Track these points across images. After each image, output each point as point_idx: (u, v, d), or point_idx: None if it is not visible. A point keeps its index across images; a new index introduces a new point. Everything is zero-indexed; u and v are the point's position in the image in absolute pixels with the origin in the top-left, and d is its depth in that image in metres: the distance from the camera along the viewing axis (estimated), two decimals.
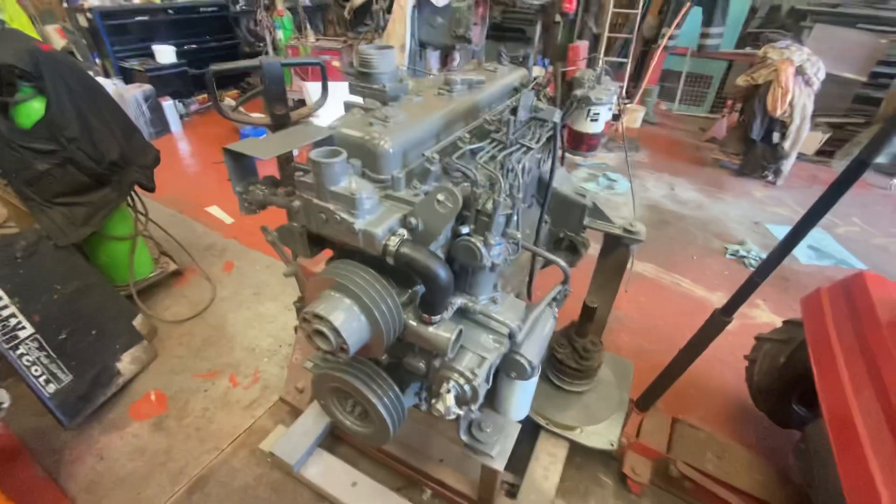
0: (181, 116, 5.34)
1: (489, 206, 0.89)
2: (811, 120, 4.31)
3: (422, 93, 1.15)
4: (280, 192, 1.01)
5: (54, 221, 2.13)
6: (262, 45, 6.79)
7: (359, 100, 1.11)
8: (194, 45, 5.72)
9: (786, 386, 1.85)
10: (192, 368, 2.33)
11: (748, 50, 5.93)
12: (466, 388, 0.93)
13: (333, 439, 1.91)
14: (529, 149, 1.01)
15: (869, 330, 1.40)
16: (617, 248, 1.78)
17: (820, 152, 5.10)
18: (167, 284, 2.85)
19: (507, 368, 1.11)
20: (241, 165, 1.00)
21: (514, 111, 1.02)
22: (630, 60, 6.61)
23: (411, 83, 1.19)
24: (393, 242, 0.80)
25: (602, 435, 1.76)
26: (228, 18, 6.16)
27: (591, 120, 1.34)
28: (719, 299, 2.97)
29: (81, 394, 1.99)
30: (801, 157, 4.74)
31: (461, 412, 0.94)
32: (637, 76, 6.69)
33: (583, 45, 6.54)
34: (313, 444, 1.77)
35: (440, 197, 0.78)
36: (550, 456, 1.73)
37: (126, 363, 2.21)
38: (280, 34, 5.52)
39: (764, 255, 3.40)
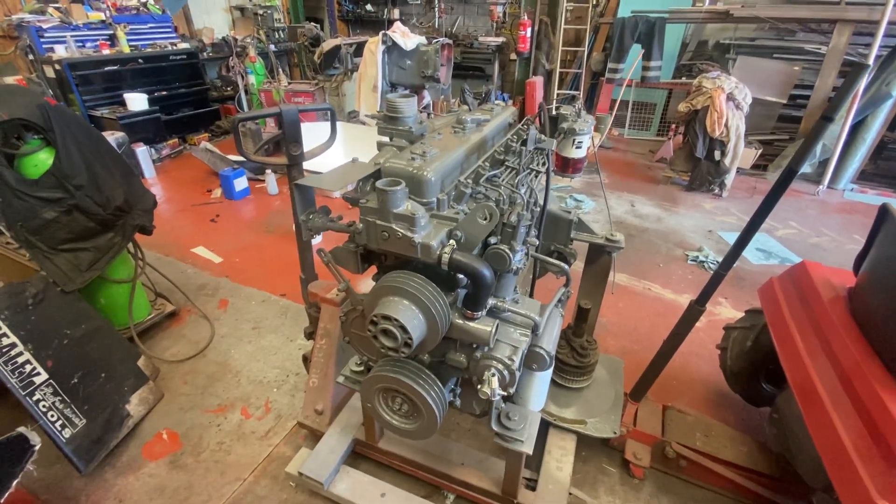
0: (154, 161, 5.35)
1: (513, 219, 1.09)
2: (745, 138, 4.87)
3: (439, 130, 1.37)
4: (335, 218, 1.18)
5: (60, 268, 2.16)
6: (229, 89, 6.96)
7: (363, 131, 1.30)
8: (164, 92, 5.79)
9: (754, 367, 2.11)
10: (202, 405, 2.35)
11: (683, 79, 6.62)
12: (506, 373, 1.10)
13: (356, 457, 2.00)
14: (539, 172, 1.23)
15: (815, 307, 1.68)
16: (600, 256, 2.03)
17: (755, 166, 5.70)
18: (164, 326, 2.86)
19: (529, 361, 1.29)
20: (305, 197, 1.16)
21: (523, 143, 1.24)
22: (581, 92, 7.22)
23: (428, 123, 1.40)
24: (447, 251, 0.98)
25: (605, 426, 1.94)
26: (197, 65, 6.29)
27: (576, 147, 1.60)
28: (686, 300, 3.28)
29: (95, 438, 1.99)
30: (740, 171, 5.31)
31: (505, 393, 1.10)
32: (588, 106, 7.29)
33: (538, 80, 7.11)
34: (339, 461, 1.86)
35: (482, 213, 0.97)
36: (561, 449, 1.89)
37: (135, 405, 2.22)
38: (252, 79, 5.70)
39: (719, 259, 3.78)
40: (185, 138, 6.10)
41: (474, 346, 1.14)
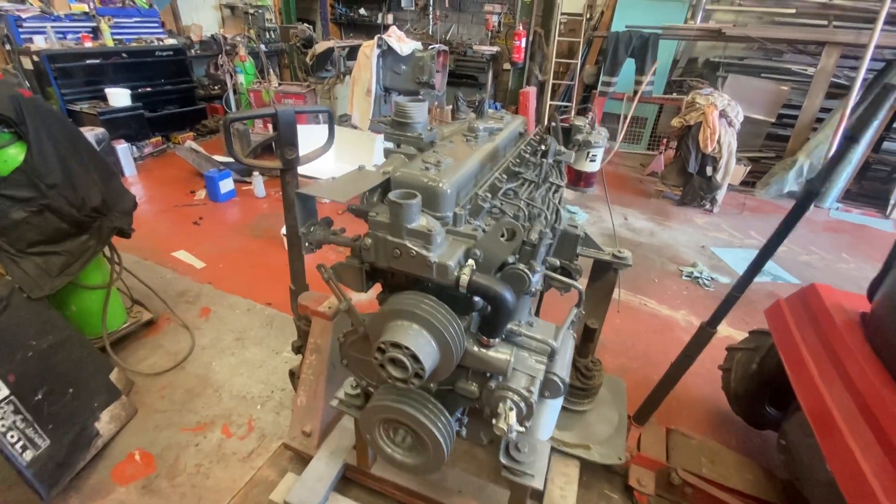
0: (135, 159, 5.14)
1: (534, 236, 1.01)
2: (735, 155, 4.92)
3: (450, 138, 1.28)
4: (338, 231, 1.07)
5: (27, 272, 1.99)
6: (217, 88, 6.78)
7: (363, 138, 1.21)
8: (149, 88, 5.59)
9: (759, 390, 2.06)
10: (179, 422, 2.19)
11: (675, 95, 6.70)
12: (523, 405, 1.00)
13: (346, 482, 1.87)
14: (559, 187, 1.15)
15: (829, 332, 1.63)
16: (606, 272, 1.95)
17: (744, 182, 5.77)
18: (141, 335, 2.69)
19: (541, 388, 1.20)
20: (307, 208, 1.05)
21: (544, 154, 1.16)
22: (574, 104, 7.24)
23: (438, 130, 1.31)
24: (465, 273, 0.89)
25: (610, 451, 1.86)
26: (184, 62, 6.11)
27: (590, 160, 1.53)
28: (683, 316, 3.25)
29: (60, 460, 1.82)
30: (729, 187, 5.35)
31: (522, 429, 1.01)
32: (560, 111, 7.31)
33: (532, 91, 7.11)
34: (328, 489, 1.73)
35: (504, 230, 0.89)
36: (565, 476, 1.80)
37: (105, 422, 2.05)
38: (241, 78, 5.55)
39: (714, 276, 3.77)
40: (169, 136, 5.89)
41: (488, 374, 1.04)
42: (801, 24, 5.62)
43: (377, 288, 1.17)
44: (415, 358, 0.87)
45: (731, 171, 4.90)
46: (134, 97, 5.25)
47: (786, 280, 3.82)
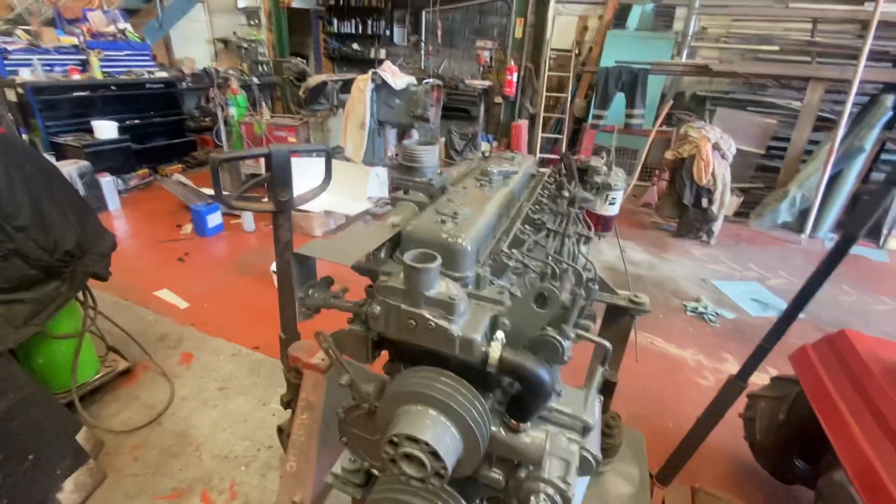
0: (120, 192, 4.98)
1: (564, 297, 0.88)
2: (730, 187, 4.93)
3: (462, 184, 1.16)
4: (341, 293, 0.93)
5: None
6: (208, 120, 6.71)
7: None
8: (137, 120, 5.50)
9: (788, 443, 1.92)
10: (152, 489, 1.97)
11: (665, 127, 6.80)
12: (558, 498, 0.85)
13: None
14: (589, 238, 1.04)
15: (867, 382, 1.51)
16: (621, 318, 1.83)
17: (737, 213, 5.78)
18: (115, 386, 2.48)
19: None
20: (304, 269, 0.91)
21: (571, 203, 1.06)
22: (564, 137, 7.31)
23: (447, 174, 1.20)
24: (495, 349, 0.75)
25: None
26: (175, 95, 6.05)
27: (609, 203, 1.43)
28: (692, 356, 3.12)
29: None
30: (724, 218, 5.34)
31: None
32: (572, 151, 7.37)
33: (523, 124, 7.17)
34: None
35: (538, 295, 0.76)
36: None
37: (68, 492, 1.82)
38: (233, 111, 5.48)
39: (718, 311, 3.67)
40: (156, 169, 5.76)
41: (515, 461, 0.89)
42: (784, 61, 5.79)
43: None
44: (435, 455, 0.73)
45: (726, 202, 4.90)
46: (122, 129, 5.14)
47: None
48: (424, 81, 5.16)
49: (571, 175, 1.32)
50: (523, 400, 0.82)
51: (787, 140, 5.62)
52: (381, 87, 5.01)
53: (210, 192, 4.89)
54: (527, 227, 0.99)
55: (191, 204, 4.57)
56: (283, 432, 2.04)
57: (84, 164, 4.47)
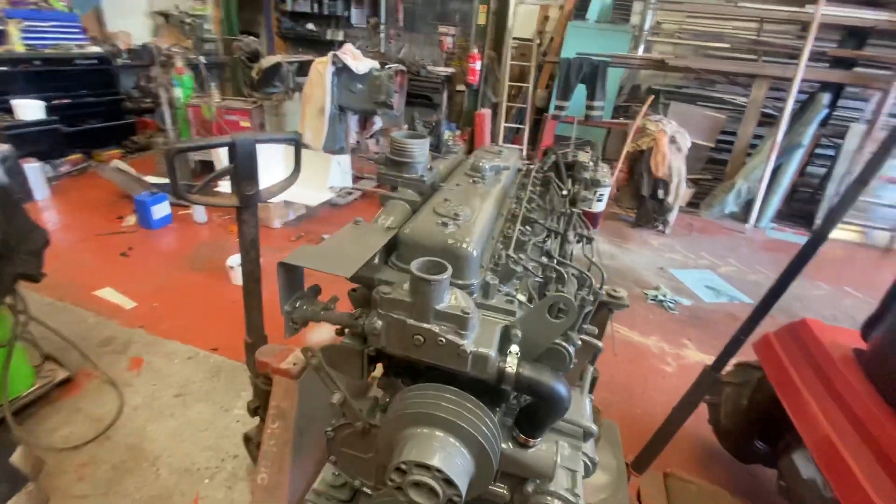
0: (49, 180, 4.50)
1: (564, 303, 0.84)
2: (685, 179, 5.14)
3: (455, 180, 1.09)
4: (330, 304, 0.84)
5: None
6: (148, 101, 6.18)
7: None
8: (67, 100, 4.96)
9: (750, 425, 2.02)
10: None
11: (621, 119, 6.99)
12: None
13: None
14: (591, 239, 1.00)
15: (827, 367, 1.61)
16: (598, 312, 1.84)
17: (689, 204, 6.06)
18: (53, 398, 2.23)
19: None
20: (292, 280, 0.81)
21: (573, 202, 1.01)
22: (526, 127, 7.36)
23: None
24: (510, 364, 0.70)
25: None
26: (110, 72, 5.51)
27: (598, 200, 1.42)
28: (655, 343, 3.24)
29: None
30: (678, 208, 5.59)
31: None
32: (533, 140, 7.44)
33: (487, 113, 7.14)
34: None
35: (556, 306, 0.71)
36: None
37: None
38: (178, 92, 5.07)
39: (677, 298, 3.84)
40: (90, 154, 5.25)
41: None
42: (733, 58, 6.07)
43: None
44: (449, 482, 0.67)
45: (681, 194, 5.11)
46: (49, 109, 4.62)
47: (741, 300, 3.96)
48: (387, 66, 4.98)
49: (560, 172, 1.29)
50: (536, 415, 0.78)
51: (734, 134, 5.93)
52: (342, 70, 4.79)
53: (155, 180, 4.52)
54: (526, 227, 0.94)
55: (133, 193, 4.20)
56: (250, 441, 1.93)
57: (5, 147, 3.97)
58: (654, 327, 3.41)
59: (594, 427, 0.93)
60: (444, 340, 0.69)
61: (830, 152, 5.91)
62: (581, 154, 1.46)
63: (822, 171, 6.12)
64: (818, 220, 5.73)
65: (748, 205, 5.76)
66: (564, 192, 1.10)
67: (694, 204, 6.12)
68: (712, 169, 6.31)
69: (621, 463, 1.93)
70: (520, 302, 0.81)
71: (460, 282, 0.80)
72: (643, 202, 5.27)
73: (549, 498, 0.82)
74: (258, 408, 1.85)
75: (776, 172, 5.63)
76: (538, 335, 0.75)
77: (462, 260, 0.78)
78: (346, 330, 0.86)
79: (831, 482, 1.42)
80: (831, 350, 1.64)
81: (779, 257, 5.01)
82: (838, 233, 5.56)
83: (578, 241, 1.00)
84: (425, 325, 0.69)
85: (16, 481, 1.71)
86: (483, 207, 0.94)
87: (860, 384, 1.51)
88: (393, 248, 0.87)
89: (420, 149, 1.01)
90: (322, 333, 2.61)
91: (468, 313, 0.68)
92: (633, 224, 5.42)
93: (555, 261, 0.89)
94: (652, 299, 3.78)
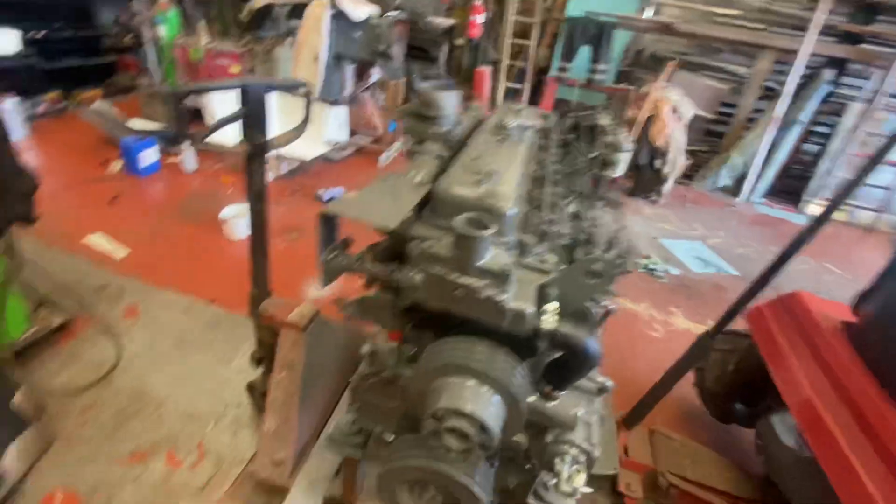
0: (27, 119, 4.27)
1: (600, 266, 0.85)
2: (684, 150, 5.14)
3: (477, 137, 1.07)
4: (367, 258, 0.84)
5: None
6: (130, 38, 5.81)
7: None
8: (43, 32, 4.63)
9: (733, 389, 2.13)
10: (109, 452, 1.83)
11: (624, 85, 6.86)
12: (582, 458, 0.87)
13: None
14: (619, 203, 1.01)
15: (816, 336, 1.69)
16: None
17: (684, 175, 6.09)
18: (51, 343, 2.22)
19: None
20: (329, 230, 0.80)
21: (604, 165, 1.01)
22: (527, 86, 7.17)
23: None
24: (549, 320, 0.71)
25: (605, 460, 1.82)
26: (86, 4, 5.13)
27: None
28: (645, 309, 3.34)
29: None
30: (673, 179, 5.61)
31: (589, 489, 0.88)
32: (533, 102, 7.27)
33: (487, 70, 6.91)
34: None
35: (592, 267, 0.72)
36: None
37: (12, 458, 1.65)
38: (163, 30, 4.76)
39: (667, 268, 3.93)
40: (69, 93, 4.97)
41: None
42: (739, 26, 5.93)
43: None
44: (483, 427, 0.70)
45: (678, 164, 5.11)
46: (25, 43, 4.31)
47: (728, 272, 4.08)
48: (387, 14, 4.74)
49: (584, 135, 1.27)
50: (565, 369, 0.80)
51: (734, 106, 5.89)
52: (338, 16, 4.54)
53: (140, 125, 4.32)
54: (558, 189, 0.94)
55: (118, 137, 4.02)
56: (255, 390, 1.96)
57: None
58: (645, 294, 3.50)
59: (609, 382, 0.96)
60: (484, 296, 0.70)
61: (826, 130, 5.94)
62: (602, 117, 1.44)
63: (817, 148, 6.16)
64: (805, 197, 5.84)
65: (741, 179, 5.81)
66: (593, 155, 1.10)
67: (688, 176, 6.15)
68: (708, 141, 6.30)
69: (611, 420, 2.03)
70: (550, 261, 0.82)
71: (501, 240, 0.80)
72: (640, 171, 5.26)
73: (565, 446, 0.87)
74: (262, 358, 1.88)
75: (771, 149, 5.66)
76: (572, 295, 0.76)
77: (500, 218, 0.78)
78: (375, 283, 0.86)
79: (810, 440, 1.52)
80: (821, 321, 1.71)
81: (765, 231, 5.12)
82: None
83: (605, 206, 1.01)
84: (467, 280, 0.70)
85: (17, 424, 1.73)
86: (512, 167, 0.93)
87: (846, 354, 1.59)
88: (424, 204, 0.86)
89: (449, 101, 0.98)
90: (320, 290, 2.61)
91: (507, 270, 0.69)
92: (629, 193, 5.44)
93: (586, 223, 0.90)
94: (643, 268, 3.86)
